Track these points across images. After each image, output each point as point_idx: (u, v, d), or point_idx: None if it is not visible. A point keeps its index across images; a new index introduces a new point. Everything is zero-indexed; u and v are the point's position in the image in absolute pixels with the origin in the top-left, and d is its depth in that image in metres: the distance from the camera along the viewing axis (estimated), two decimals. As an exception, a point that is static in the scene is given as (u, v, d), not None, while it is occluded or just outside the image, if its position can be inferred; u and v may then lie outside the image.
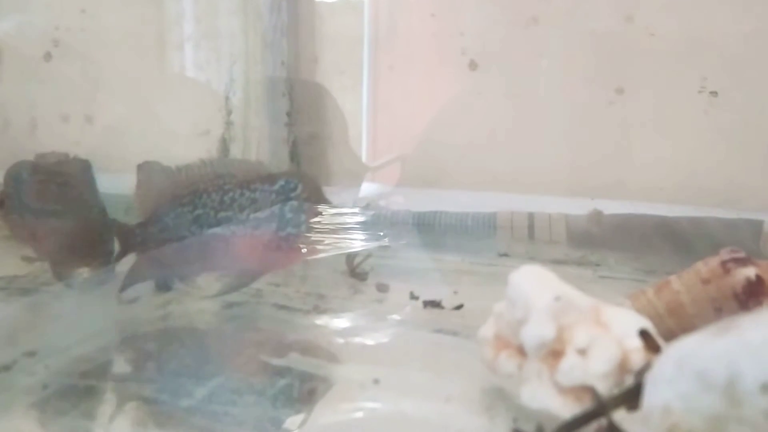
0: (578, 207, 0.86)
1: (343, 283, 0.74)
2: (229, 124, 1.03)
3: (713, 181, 0.88)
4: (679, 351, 0.33)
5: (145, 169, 0.67)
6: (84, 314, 0.66)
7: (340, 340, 0.61)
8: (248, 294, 0.69)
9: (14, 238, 0.75)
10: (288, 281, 0.74)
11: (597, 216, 0.85)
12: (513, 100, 0.95)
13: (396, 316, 0.65)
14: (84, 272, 0.69)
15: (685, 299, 0.50)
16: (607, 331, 0.41)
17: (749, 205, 0.83)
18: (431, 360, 0.57)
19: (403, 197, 0.96)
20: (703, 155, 0.89)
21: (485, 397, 0.47)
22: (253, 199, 0.66)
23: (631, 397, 0.36)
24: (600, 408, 0.37)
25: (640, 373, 0.37)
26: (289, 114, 1.02)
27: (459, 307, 0.65)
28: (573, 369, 0.40)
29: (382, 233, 0.70)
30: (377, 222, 0.79)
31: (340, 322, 0.65)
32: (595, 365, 0.39)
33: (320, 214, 0.66)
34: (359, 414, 0.48)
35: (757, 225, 0.79)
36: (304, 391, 0.51)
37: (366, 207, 0.87)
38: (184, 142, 1.06)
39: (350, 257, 0.76)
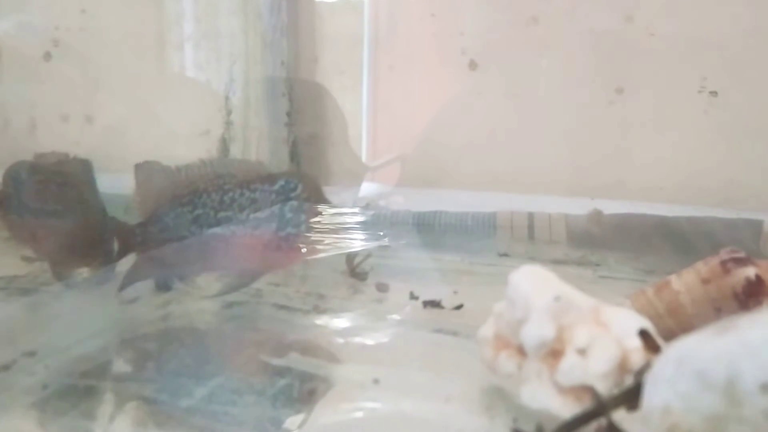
0: (578, 207, 0.86)
1: (343, 283, 0.74)
2: (229, 124, 1.03)
3: (713, 181, 0.88)
4: (679, 351, 0.33)
5: (144, 169, 0.67)
6: (84, 314, 0.66)
7: (340, 340, 0.61)
8: (248, 294, 0.69)
9: (13, 239, 0.75)
10: (288, 281, 0.74)
11: (597, 216, 0.85)
12: (513, 100, 0.95)
13: (396, 316, 0.65)
14: (84, 272, 0.69)
15: (685, 299, 0.50)
16: (607, 331, 0.41)
17: (749, 205, 0.83)
18: (431, 360, 0.57)
19: (403, 197, 0.96)
20: (703, 155, 0.89)
21: (485, 397, 0.47)
22: (253, 199, 0.66)
23: (631, 397, 0.36)
24: (600, 408, 0.37)
25: (640, 373, 0.37)
26: (288, 114, 1.02)
27: (459, 307, 0.65)
28: (573, 369, 0.40)
29: (382, 233, 0.70)
30: (377, 222, 0.79)
31: (340, 322, 0.65)
32: (594, 365, 0.39)
33: (320, 214, 0.66)
34: (359, 414, 0.48)
35: (757, 225, 0.79)
36: (304, 391, 0.51)
37: (366, 207, 0.87)
38: (184, 142, 1.06)
39: (350, 257, 0.76)
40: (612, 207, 0.86)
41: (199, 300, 0.68)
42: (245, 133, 1.03)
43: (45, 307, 0.70)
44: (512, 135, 0.96)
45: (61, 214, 0.71)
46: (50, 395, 0.50)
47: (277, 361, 0.55)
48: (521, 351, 0.44)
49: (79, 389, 0.51)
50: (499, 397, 0.47)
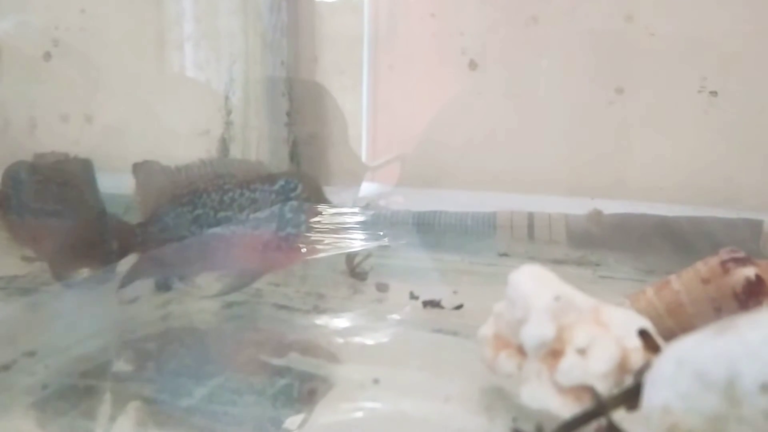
0: (578, 207, 0.86)
1: (343, 283, 0.74)
2: (228, 123, 1.03)
3: (713, 181, 0.88)
4: (678, 351, 0.33)
5: (143, 168, 0.67)
6: (84, 314, 0.66)
7: (340, 340, 0.61)
8: (248, 294, 0.69)
9: (13, 239, 0.75)
10: (288, 281, 0.74)
11: (597, 216, 0.85)
12: (513, 100, 0.95)
13: (396, 316, 0.65)
14: (84, 272, 0.69)
15: (685, 299, 0.50)
16: (606, 331, 0.41)
17: (749, 205, 0.83)
18: (431, 360, 0.57)
19: (403, 197, 0.96)
20: (703, 155, 0.89)
21: (485, 397, 0.47)
22: (253, 199, 0.66)
23: (631, 397, 0.37)
24: (600, 408, 0.37)
25: (640, 373, 0.37)
26: (288, 114, 1.02)
27: (459, 307, 0.65)
28: (573, 369, 0.40)
29: (381, 233, 0.70)
30: (377, 222, 0.79)
31: (340, 322, 0.65)
32: (594, 365, 0.39)
33: (320, 214, 0.66)
34: (359, 414, 0.48)
35: (757, 225, 0.79)
36: (304, 391, 0.51)
37: (366, 207, 0.87)
38: (184, 142, 1.06)
39: (350, 257, 0.76)
40: (612, 207, 0.86)
41: (199, 300, 0.68)
42: (245, 133, 1.03)
43: (45, 307, 0.70)
44: (512, 135, 0.96)
45: (61, 214, 0.71)
46: (50, 395, 0.50)
47: (277, 361, 0.55)
48: (521, 351, 0.44)
49: (79, 389, 0.51)
50: (498, 397, 0.47)
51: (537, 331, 0.42)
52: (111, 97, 1.07)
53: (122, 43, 1.06)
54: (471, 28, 0.95)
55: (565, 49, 0.92)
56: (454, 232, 0.88)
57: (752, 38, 0.84)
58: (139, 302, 0.67)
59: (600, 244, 0.84)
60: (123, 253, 0.68)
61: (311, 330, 0.63)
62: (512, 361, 0.45)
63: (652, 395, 0.33)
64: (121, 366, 0.57)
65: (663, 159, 0.90)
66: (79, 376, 0.53)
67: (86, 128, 1.10)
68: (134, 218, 0.68)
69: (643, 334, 0.41)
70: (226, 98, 1.03)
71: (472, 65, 0.96)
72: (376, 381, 0.50)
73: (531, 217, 0.87)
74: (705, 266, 0.51)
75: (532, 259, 0.81)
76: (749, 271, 0.49)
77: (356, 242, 0.68)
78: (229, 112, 1.03)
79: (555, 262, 0.81)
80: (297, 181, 0.66)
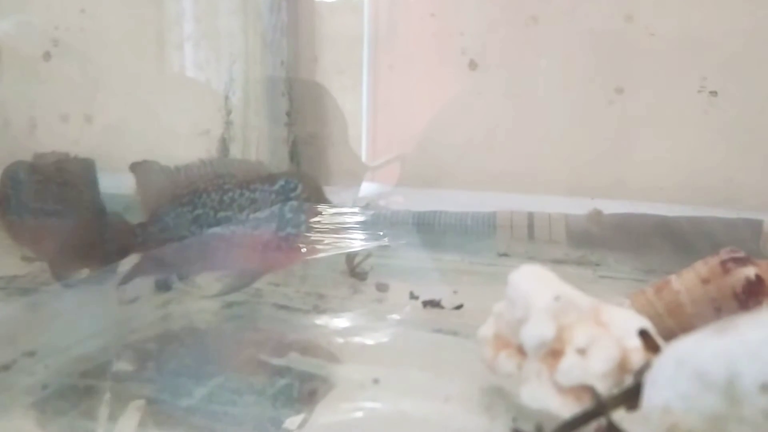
0: (578, 207, 0.86)
1: (343, 283, 0.74)
2: (228, 123, 1.03)
3: (713, 181, 0.88)
4: (678, 351, 0.33)
5: (142, 168, 0.67)
6: (84, 314, 0.66)
7: (340, 340, 0.61)
8: (248, 294, 0.69)
9: (13, 239, 0.75)
10: (288, 281, 0.74)
11: (597, 216, 0.85)
12: (513, 99, 0.95)
13: (396, 316, 0.65)
14: (84, 272, 0.69)
15: (685, 299, 0.50)
16: (606, 331, 0.41)
17: (749, 205, 0.83)
18: (431, 360, 0.57)
19: (403, 197, 0.96)
20: (703, 155, 0.89)
21: (485, 397, 0.47)
22: (253, 199, 0.66)
23: (631, 397, 0.37)
24: (599, 408, 0.37)
25: (640, 373, 0.37)
26: (288, 114, 1.02)
27: (459, 306, 0.65)
28: (573, 369, 0.40)
29: (381, 233, 0.70)
30: (377, 222, 0.79)
31: (340, 322, 0.65)
32: (594, 365, 0.39)
33: (320, 214, 0.66)
34: (359, 414, 0.48)
35: (757, 225, 0.79)
36: (304, 391, 0.51)
37: (366, 207, 0.87)
38: (184, 142, 1.06)
39: (350, 257, 0.76)
40: (612, 207, 0.86)
41: (199, 300, 0.68)
42: (245, 133, 1.03)
43: (45, 307, 0.70)
44: (512, 135, 0.96)
45: (61, 214, 0.71)
46: (50, 395, 0.50)
47: (277, 361, 0.55)
48: (521, 351, 0.44)
49: (79, 389, 0.51)
50: (498, 397, 0.47)
51: (537, 330, 0.42)
52: (111, 97, 1.07)
53: (122, 43, 1.06)
54: (471, 28, 0.95)
55: (565, 49, 0.92)
56: (454, 232, 0.88)
57: (752, 38, 0.84)
58: (139, 302, 0.67)
59: (600, 244, 0.84)
60: (123, 253, 0.68)
61: (311, 330, 0.63)
62: (512, 361, 0.45)
63: (652, 395, 0.33)
64: (121, 366, 0.57)
65: (663, 159, 0.90)
66: (79, 376, 0.53)
67: (86, 128, 1.09)
68: (134, 218, 0.68)
69: (643, 334, 0.41)
70: (226, 98, 1.03)
71: (472, 65, 0.96)
72: (376, 381, 0.50)
73: (531, 217, 0.87)
74: (705, 266, 0.51)
75: (532, 259, 0.81)
76: (749, 271, 0.49)
77: (356, 242, 0.68)
78: (229, 112, 1.03)
79: (555, 262, 0.81)
80: (297, 181, 0.66)
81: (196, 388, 0.50)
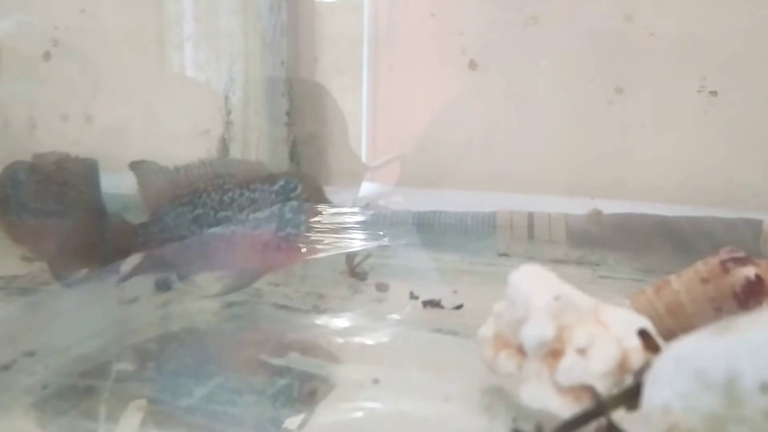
0: (578, 207, 0.86)
1: (342, 283, 0.74)
2: (228, 123, 1.03)
3: (713, 181, 0.88)
4: (678, 350, 0.33)
5: (142, 168, 0.67)
6: (84, 314, 0.66)
7: (340, 340, 0.61)
8: (248, 294, 0.69)
9: (12, 240, 0.75)
10: (288, 281, 0.74)
11: (597, 215, 0.85)
12: (513, 99, 0.95)
13: (396, 316, 0.65)
14: (84, 272, 0.69)
15: (685, 299, 0.50)
16: (606, 331, 0.41)
17: (749, 205, 0.83)
18: (431, 360, 0.57)
19: (403, 197, 0.96)
20: (703, 155, 0.89)
21: (485, 397, 0.47)
22: (252, 199, 0.66)
23: (631, 397, 0.37)
24: (599, 408, 0.37)
25: (640, 373, 0.37)
26: (288, 114, 1.02)
27: (459, 306, 0.65)
28: (573, 368, 0.40)
29: (381, 233, 0.70)
30: (377, 222, 0.79)
31: (340, 322, 0.65)
32: (594, 365, 0.39)
33: (320, 214, 0.66)
34: (359, 414, 0.48)
35: (756, 225, 0.79)
36: (304, 391, 0.51)
37: (366, 207, 0.87)
38: (184, 142, 1.06)
39: (350, 257, 0.76)
40: (612, 207, 0.86)
41: (199, 300, 0.68)
42: (245, 133, 1.03)
43: (45, 307, 0.70)
44: (512, 135, 0.96)
45: (61, 214, 0.70)
46: (50, 395, 0.50)
47: (277, 361, 0.55)
48: (521, 351, 0.44)
49: (79, 389, 0.51)
50: (498, 397, 0.47)
51: (537, 330, 0.42)
52: (111, 97, 1.07)
53: (122, 43, 1.06)
54: (471, 28, 0.95)
55: (564, 49, 0.92)
56: (454, 232, 0.88)
57: (752, 38, 0.84)
58: (139, 302, 0.67)
59: (600, 244, 0.84)
60: (123, 253, 0.68)
61: (311, 330, 0.63)
62: (512, 361, 0.45)
63: (652, 395, 0.33)
64: (121, 366, 0.57)
65: (663, 159, 0.90)
66: (79, 376, 0.53)
67: (86, 128, 1.10)
68: (134, 218, 0.68)
69: (643, 334, 0.41)
70: (226, 98, 1.03)
71: (472, 65, 0.96)
72: (376, 381, 0.50)
73: (531, 217, 0.87)
74: (705, 266, 0.51)
75: (532, 259, 0.81)
76: (749, 271, 0.49)
77: (356, 242, 0.68)
78: (229, 112, 1.03)
79: (555, 262, 0.81)
80: (297, 181, 0.66)
81: (196, 388, 0.50)
